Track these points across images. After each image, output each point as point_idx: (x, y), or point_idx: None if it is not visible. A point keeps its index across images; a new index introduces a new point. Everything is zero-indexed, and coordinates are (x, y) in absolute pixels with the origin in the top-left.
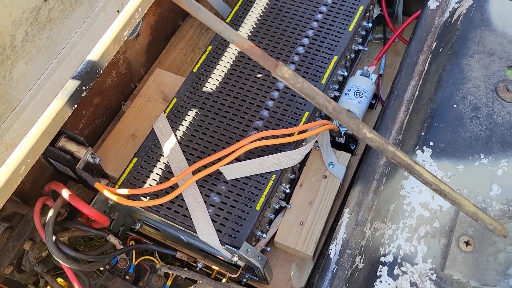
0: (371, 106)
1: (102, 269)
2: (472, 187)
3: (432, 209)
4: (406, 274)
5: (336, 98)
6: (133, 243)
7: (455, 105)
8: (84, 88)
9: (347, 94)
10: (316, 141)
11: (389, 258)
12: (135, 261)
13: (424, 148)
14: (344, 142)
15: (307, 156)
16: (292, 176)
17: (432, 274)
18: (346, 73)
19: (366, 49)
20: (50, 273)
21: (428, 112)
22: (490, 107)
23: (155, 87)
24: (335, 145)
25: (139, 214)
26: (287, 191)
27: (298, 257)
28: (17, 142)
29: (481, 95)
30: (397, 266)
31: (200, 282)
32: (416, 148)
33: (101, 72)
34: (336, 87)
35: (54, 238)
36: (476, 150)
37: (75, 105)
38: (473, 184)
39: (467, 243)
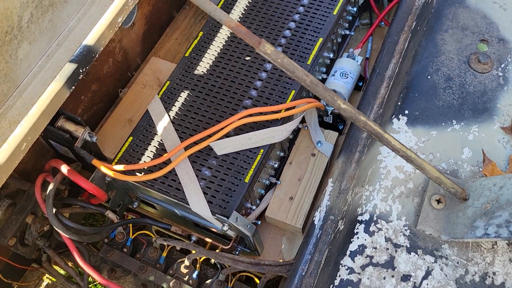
0: (358, 88)
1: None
2: (444, 151)
3: (406, 171)
4: (381, 230)
5: (323, 80)
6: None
7: (429, 77)
8: (81, 71)
9: (333, 75)
10: (305, 121)
11: (366, 217)
12: (132, 235)
13: (400, 116)
14: (332, 122)
15: (296, 135)
16: (282, 154)
17: (405, 230)
18: (333, 56)
19: (352, 33)
20: (52, 248)
21: (404, 84)
22: (462, 77)
23: (150, 74)
24: (323, 124)
25: (136, 191)
26: (276, 166)
27: (288, 231)
28: (20, 120)
29: (454, 67)
30: (373, 224)
31: (194, 251)
32: (393, 117)
33: (97, 56)
34: (324, 69)
35: (54, 210)
36: (448, 117)
37: (73, 87)
38: (446, 148)
39: (438, 201)
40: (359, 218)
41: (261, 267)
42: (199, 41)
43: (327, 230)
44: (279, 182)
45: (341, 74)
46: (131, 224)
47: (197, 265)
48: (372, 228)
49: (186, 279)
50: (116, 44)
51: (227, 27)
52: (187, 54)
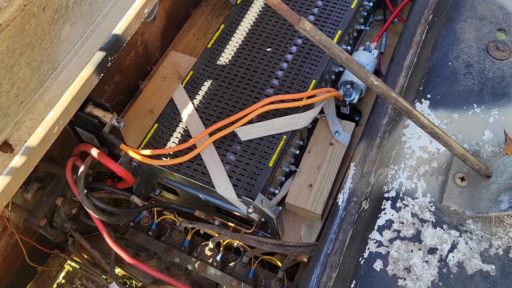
0: None
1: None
2: (466, 133)
3: (430, 151)
4: (408, 206)
5: (340, 73)
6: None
7: (449, 63)
8: (109, 59)
9: None
10: (323, 112)
11: (392, 194)
12: (157, 219)
13: (422, 100)
14: (348, 113)
15: (314, 125)
16: (301, 143)
17: (431, 206)
18: (349, 49)
19: (367, 28)
20: (78, 231)
21: (426, 70)
22: (481, 64)
23: (170, 67)
24: (340, 116)
25: (160, 176)
26: (297, 152)
27: (308, 218)
28: (55, 102)
29: (473, 54)
30: (399, 200)
31: (218, 235)
32: (415, 101)
33: (124, 45)
34: None
35: (85, 191)
36: (469, 101)
37: (101, 74)
38: (467, 130)
39: (462, 179)
40: (386, 195)
41: (285, 248)
42: (220, 33)
43: (351, 211)
44: (299, 170)
45: None
46: (155, 209)
47: (221, 248)
48: (398, 204)
49: (210, 261)
50: (138, 36)
51: (269, 4)
52: (209, 46)
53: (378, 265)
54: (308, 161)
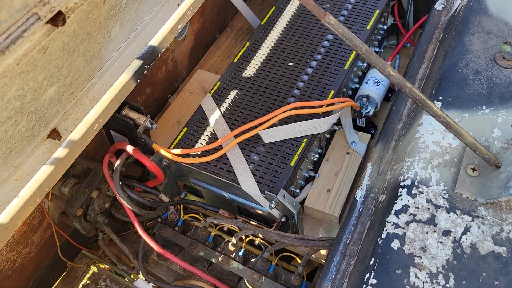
0: (387, 99)
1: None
2: (476, 130)
3: (443, 146)
4: (422, 193)
5: (356, 90)
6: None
7: (459, 70)
8: (146, 67)
9: (367, 83)
10: (340, 124)
11: (408, 182)
12: (183, 216)
13: (435, 102)
14: (364, 126)
15: (332, 135)
16: (319, 151)
17: (444, 194)
18: (364, 69)
19: (382, 50)
20: (109, 226)
21: (437, 76)
22: (489, 71)
23: (197, 84)
24: (357, 128)
25: (187, 177)
26: (315, 159)
27: (326, 222)
28: (98, 99)
29: (482, 63)
30: (414, 188)
31: (240, 231)
32: None
33: (159, 56)
34: (356, 80)
35: (120, 183)
36: (479, 103)
37: (138, 80)
38: (477, 128)
39: (473, 170)
40: (402, 183)
41: (305, 241)
42: (246, 49)
43: (368, 206)
44: (317, 176)
45: (374, 82)
46: (181, 206)
47: (243, 244)
48: (414, 191)
49: (233, 256)
50: (169, 53)
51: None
52: (235, 60)
53: (395, 244)
54: (327, 167)
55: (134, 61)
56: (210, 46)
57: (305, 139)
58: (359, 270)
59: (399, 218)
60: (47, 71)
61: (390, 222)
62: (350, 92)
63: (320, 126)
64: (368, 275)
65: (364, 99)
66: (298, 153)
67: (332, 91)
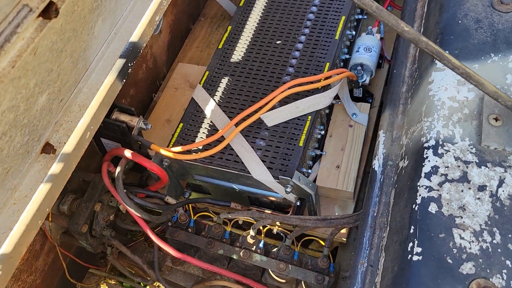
0: (378, 66)
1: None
2: (489, 79)
3: (459, 100)
4: (449, 152)
5: (346, 60)
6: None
7: (459, 21)
8: (129, 65)
9: (358, 51)
10: (337, 97)
11: (432, 142)
12: (194, 216)
13: None
14: (361, 96)
15: (331, 110)
16: (322, 128)
17: (471, 148)
18: (354, 34)
19: (365, 17)
20: (117, 239)
21: (438, 31)
22: (489, 18)
23: (180, 78)
24: (354, 99)
25: (191, 175)
26: (319, 137)
27: (339, 199)
28: (87, 104)
29: (480, 11)
30: (440, 147)
31: (257, 222)
32: (434, 60)
33: (141, 52)
34: (346, 50)
35: (124, 190)
36: (486, 52)
37: (124, 80)
38: (490, 77)
39: (496, 119)
40: (425, 145)
41: (329, 221)
42: (229, 34)
43: (388, 174)
44: (324, 153)
45: (365, 49)
46: (191, 206)
47: (262, 235)
48: (440, 150)
49: (253, 249)
50: (148, 50)
51: None
52: (220, 46)
53: (432, 208)
54: (331, 144)
55: (118, 60)
56: (186, 38)
57: (309, 116)
58: (397, 241)
59: (430, 181)
60: (38, 75)
61: (422, 186)
62: (342, 64)
63: (322, 100)
64: (411, 244)
65: (359, 68)
66: (304, 131)
67: (328, 63)
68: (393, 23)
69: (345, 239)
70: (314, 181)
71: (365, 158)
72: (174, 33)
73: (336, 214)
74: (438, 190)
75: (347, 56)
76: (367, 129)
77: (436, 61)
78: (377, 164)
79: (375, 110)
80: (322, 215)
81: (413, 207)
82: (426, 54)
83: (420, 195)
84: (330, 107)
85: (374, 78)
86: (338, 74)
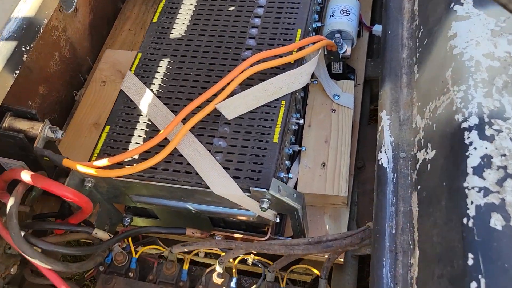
0: (357, 35)
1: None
2: None
3: (500, 57)
4: (502, 132)
5: (318, 29)
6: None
7: None
8: (23, 49)
9: (333, 15)
10: (313, 75)
11: (474, 120)
12: (136, 253)
13: (462, 1)
14: (341, 72)
15: (305, 93)
16: (298, 116)
17: None
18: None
19: None
20: None
21: None
22: None
23: (109, 68)
24: (334, 76)
25: (126, 196)
26: (295, 128)
27: (329, 208)
28: None
29: None
30: (487, 126)
31: (224, 254)
32: (452, 5)
33: (41, 31)
34: (316, 17)
35: (22, 233)
36: None
37: (16, 72)
38: None
39: None
40: (464, 125)
41: (326, 244)
42: (165, 4)
43: (403, 171)
44: (304, 149)
45: (342, 11)
46: (130, 239)
47: (233, 270)
48: (488, 132)
49: None
50: (60, 33)
51: None
52: (154, 20)
53: (497, 221)
54: (311, 136)
55: (4, 44)
56: (116, 20)
57: (283, 101)
58: (443, 275)
59: (484, 178)
60: None
61: (472, 188)
62: (313, 34)
63: (298, 79)
64: (475, 285)
65: (337, 35)
66: (279, 122)
67: (299, 30)
68: None
69: (342, 259)
70: (295, 187)
71: (355, 151)
72: (97, 12)
73: (327, 227)
74: (498, 192)
75: (319, 24)
76: (354, 114)
77: (455, 7)
78: (384, 158)
79: (360, 89)
80: (313, 236)
81: (464, 222)
82: (431, 4)
83: (472, 202)
84: (305, 89)
85: (354, 49)
86: (314, 44)
